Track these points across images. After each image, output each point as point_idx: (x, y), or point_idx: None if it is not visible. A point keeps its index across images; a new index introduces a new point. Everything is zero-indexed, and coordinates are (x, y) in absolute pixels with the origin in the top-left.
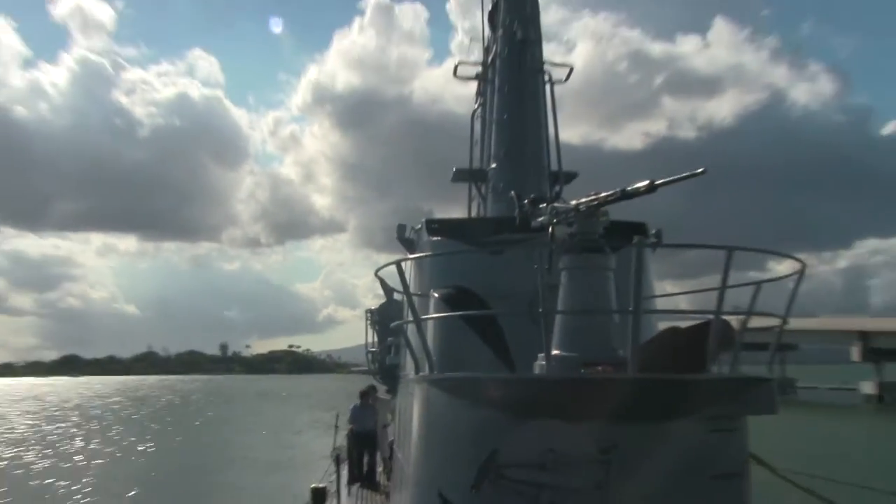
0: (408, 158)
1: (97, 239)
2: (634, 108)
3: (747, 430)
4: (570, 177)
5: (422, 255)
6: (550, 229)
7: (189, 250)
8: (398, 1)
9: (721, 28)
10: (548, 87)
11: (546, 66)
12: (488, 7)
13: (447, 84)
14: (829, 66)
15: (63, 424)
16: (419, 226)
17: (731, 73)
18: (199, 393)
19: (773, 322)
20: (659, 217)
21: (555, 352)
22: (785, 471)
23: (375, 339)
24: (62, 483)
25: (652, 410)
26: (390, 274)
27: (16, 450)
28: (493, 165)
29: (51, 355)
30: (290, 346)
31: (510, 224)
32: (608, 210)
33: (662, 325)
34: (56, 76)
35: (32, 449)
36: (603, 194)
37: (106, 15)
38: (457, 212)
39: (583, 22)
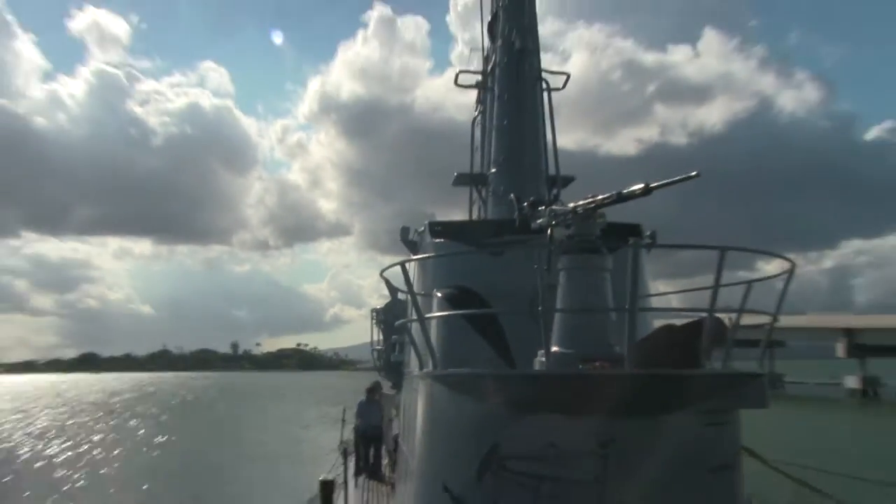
0: (410, 164)
1: (114, 242)
2: (628, 115)
3: (740, 423)
4: (568, 181)
5: (425, 256)
6: (549, 231)
7: (201, 253)
8: (400, 14)
9: (711, 38)
10: (545, 94)
11: (544, 75)
12: (488, 18)
13: (448, 93)
14: (814, 75)
15: (82, 419)
16: (422, 228)
17: (721, 81)
18: (211, 389)
19: (763, 320)
20: (653, 219)
21: (554, 349)
22: (776, 462)
23: (380, 337)
24: (80, 473)
25: (648, 405)
26: (395, 274)
27: (39, 442)
28: (494, 170)
29: (70, 353)
30: (299, 345)
31: (510, 226)
32: (605, 212)
33: (657, 323)
34: (74, 88)
35: (54, 442)
36: (600, 197)
37: (121, 29)
38: (458, 215)
39: (578, 33)
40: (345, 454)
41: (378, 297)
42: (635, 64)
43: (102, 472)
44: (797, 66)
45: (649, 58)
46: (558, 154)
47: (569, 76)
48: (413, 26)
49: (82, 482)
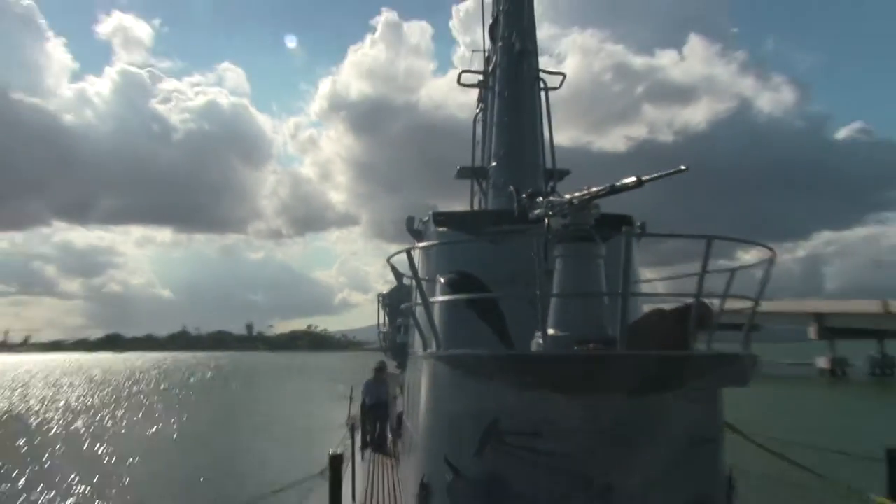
0: (414, 159)
1: (137, 231)
2: (618, 114)
3: (722, 401)
4: (563, 174)
5: (429, 244)
6: (546, 221)
7: (218, 241)
8: (406, 19)
9: (695, 43)
10: (543, 93)
11: (541, 75)
12: (489, 21)
13: (450, 92)
14: (790, 78)
15: (106, 394)
16: (426, 218)
17: (705, 83)
18: (228, 367)
19: (745, 304)
20: (641, 211)
21: (550, 331)
22: (753, 436)
23: (386, 320)
24: (102, 445)
25: (639, 384)
26: (400, 261)
27: (67, 415)
28: (494, 164)
29: (96, 334)
30: (309, 327)
31: (509, 216)
32: (598, 204)
33: (645, 308)
34: (101, 87)
35: (82, 416)
36: (594, 189)
37: (145, 32)
38: (460, 206)
39: (572, 38)
40: (352, 430)
41: (384, 283)
42: (625, 67)
43: (122, 446)
44: (774, 71)
45: (638, 61)
46: (555, 149)
47: (565, 76)
48: (418, 30)
49: (103, 452)
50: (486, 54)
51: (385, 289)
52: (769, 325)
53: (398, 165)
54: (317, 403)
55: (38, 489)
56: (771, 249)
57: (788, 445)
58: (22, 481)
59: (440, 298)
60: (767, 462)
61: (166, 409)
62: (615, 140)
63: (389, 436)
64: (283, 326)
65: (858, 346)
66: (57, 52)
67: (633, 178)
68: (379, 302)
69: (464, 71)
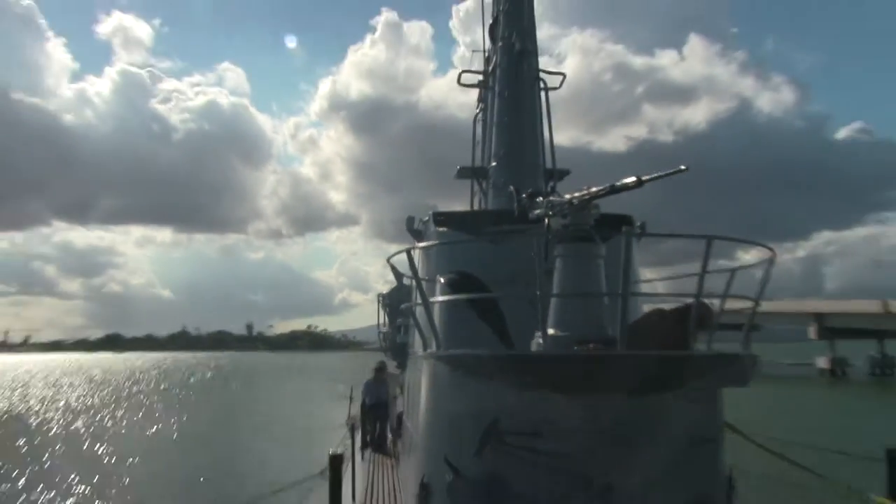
0: (414, 158)
1: (137, 231)
2: (618, 114)
3: (722, 400)
4: (563, 174)
5: (429, 244)
6: (546, 221)
7: (218, 241)
8: (406, 19)
9: (695, 43)
10: (543, 93)
11: (541, 75)
12: (489, 21)
13: (450, 92)
14: (790, 78)
15: (106, 394)
16: (426, 218)
17: (704, 83)
18: (228, 367)
19: (745, 304)
20: (641, 211)
21: (550, 331)
22: (753, 436)
23: (386, 320)
24: (102, 445)
25: (639, 384)
26: (400, 261)
27: (67, 415)
28: (494, 163)
29: (96, 334)
30: (309, 327)
31: (509, 216)
32: (598, 203)
33: (646, 308)
34: (100, 87)
35: (82, 416)
36: (594, 189)
37: (144, 32)
38: (460, 206)
39: (571, 38)
40: (352, 430)
41: (384, 283)
42: (625, 67)
43: (122, 445)
44: (774, 71)
45: (638, 61)
46: (555, 149)
47: (564, 76)
48: (418, 31)
49: (103, 451)
50: (486, 54)
51: (385, 289)
52: (769, 325)
53: (398, 165)
54: (317, 403)
55: (38, 489)
56: (771, 249)
57: (788, 445)
58: (22, 481)
59: (440, 298)
60: (767, 462)
61: (166, 409)
62: (615, 140)
63: (389, 436)
64: (283, 326)
65: (858, 346)
66: (57, 52)
67: (633, 178)
68: (379, 302)
69: (464, 71)
